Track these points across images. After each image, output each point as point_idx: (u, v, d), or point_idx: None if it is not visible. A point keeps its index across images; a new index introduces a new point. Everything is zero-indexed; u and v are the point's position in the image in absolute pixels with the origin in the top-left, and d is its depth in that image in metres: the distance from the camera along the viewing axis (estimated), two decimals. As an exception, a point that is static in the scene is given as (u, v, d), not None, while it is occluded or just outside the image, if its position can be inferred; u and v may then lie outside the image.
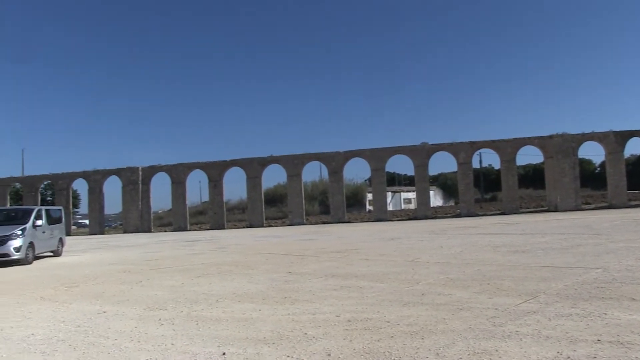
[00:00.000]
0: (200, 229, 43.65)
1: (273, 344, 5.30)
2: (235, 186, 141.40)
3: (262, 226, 40.75)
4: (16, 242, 15.96)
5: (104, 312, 7.53)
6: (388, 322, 6.00)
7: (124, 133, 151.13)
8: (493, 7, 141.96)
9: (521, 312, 6.15)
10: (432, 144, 40.58)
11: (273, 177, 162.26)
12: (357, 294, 7.94)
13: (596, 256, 11.06)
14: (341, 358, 4.73)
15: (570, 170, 38.24)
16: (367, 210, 58.68)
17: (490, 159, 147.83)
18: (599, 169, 71.00)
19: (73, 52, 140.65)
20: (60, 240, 19.97)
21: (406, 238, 19.83)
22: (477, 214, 39.43)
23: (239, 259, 14.77)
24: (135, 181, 43.26)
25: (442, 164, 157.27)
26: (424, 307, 6.74)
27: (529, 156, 65.81)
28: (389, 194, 56.69)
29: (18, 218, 17.63)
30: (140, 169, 43.71)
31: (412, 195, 62.41)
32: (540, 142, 39.53)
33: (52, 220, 19.21)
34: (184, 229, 42.07)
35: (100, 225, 45.06)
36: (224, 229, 40.74)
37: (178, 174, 43.08)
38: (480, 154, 64.83)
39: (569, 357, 4.39)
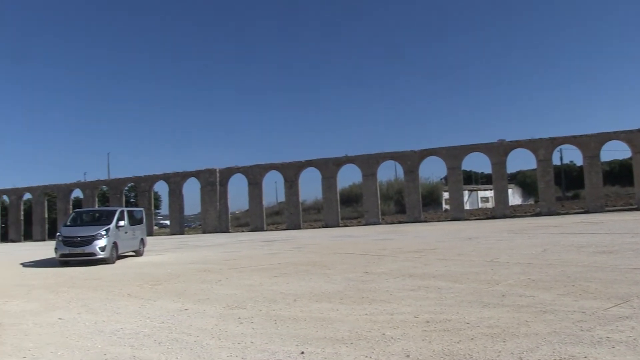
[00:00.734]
0: (277, 229, 44.33)
1: (351, 344, 5.35)
2: (310, 186, 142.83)
3: (338, 226, 40.93)
4: (101, 242, 16.63)
5: (186, 309, 7.88)
6: (468, 323, 5.91)
7: (203, 136, 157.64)
8: (570, 3, 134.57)
9: (612, 316, 5.84)
10: (510, 141, 39.24)
11: (348, 177, 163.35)
12: (435, 295, 7.86)
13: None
14: (420, 359, 4.72)
15: (663, 165, 35.54)
16: (443, 209, 57.67)
17: (572, 156, 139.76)
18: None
19: (156, 64, 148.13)
20: (142, 241, 20.51)
21: (484, 237, 19.27)
22: (559, 213, 37.57)
23: (316, 259, 14.90)
24: (213, 182, 44.74)
25: (521, 161, 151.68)
26: (505, 308, 6.57)
27: (615, 152, 61.64)
28: (466, 193, 55.38)
29: (102, 219, 18.38)
30: (217, 170, 45.10)
31: (489, 193, 60.68)
32: (627, 136, 37.04)
33: (134, 221, 19.98)
34: (261, 229, 42.97)
35: (181, 225, 46.95)
36: (300, 229, 41.25)
37: (254, 175, 44.13)
38: (560, 150, 62.34)
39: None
